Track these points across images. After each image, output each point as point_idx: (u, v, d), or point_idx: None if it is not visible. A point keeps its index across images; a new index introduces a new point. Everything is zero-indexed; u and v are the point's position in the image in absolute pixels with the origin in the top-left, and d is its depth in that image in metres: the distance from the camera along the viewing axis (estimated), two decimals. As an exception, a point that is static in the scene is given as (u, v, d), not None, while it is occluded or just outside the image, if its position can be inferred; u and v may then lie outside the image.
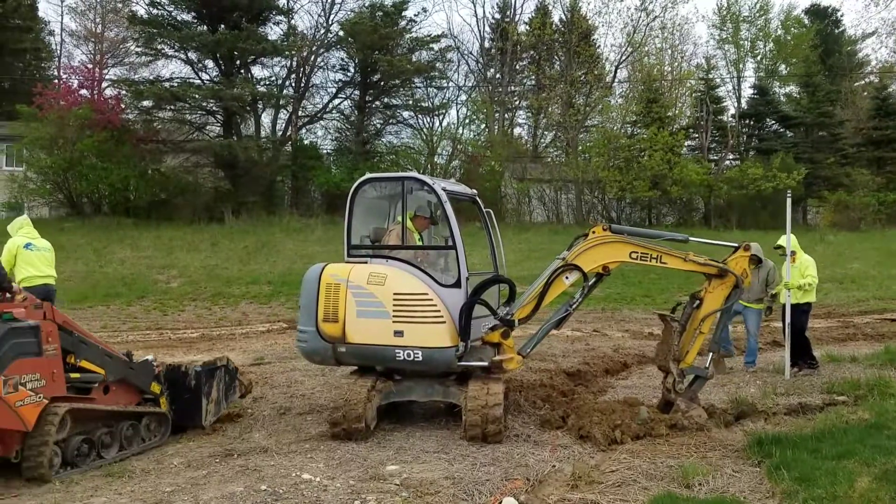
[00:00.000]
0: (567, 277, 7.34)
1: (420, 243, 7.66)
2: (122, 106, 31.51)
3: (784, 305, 9.85)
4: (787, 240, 9.72)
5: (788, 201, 10.28)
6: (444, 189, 7.23)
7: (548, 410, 7.69)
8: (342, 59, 36.65)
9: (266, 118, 36.68)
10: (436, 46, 36.24)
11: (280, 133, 36.27)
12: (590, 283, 7.50)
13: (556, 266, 7.34)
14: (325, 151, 37.76)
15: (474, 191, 8.20)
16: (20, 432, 5.47)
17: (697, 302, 7.52)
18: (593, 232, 7.42)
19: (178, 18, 32.43)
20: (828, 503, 4.72)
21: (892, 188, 34.57)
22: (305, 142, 36.90)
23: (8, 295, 5.92)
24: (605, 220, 33.69)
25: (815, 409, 7.78)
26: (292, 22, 35.59)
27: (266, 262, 23.67)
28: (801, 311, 9.89)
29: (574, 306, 7.55)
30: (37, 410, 5.50)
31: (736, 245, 7.64)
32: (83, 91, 31.90)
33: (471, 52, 42.99)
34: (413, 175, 7.56)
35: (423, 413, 7.88)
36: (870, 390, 8.15)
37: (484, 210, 8.00)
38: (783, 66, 44.82)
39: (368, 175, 7.62)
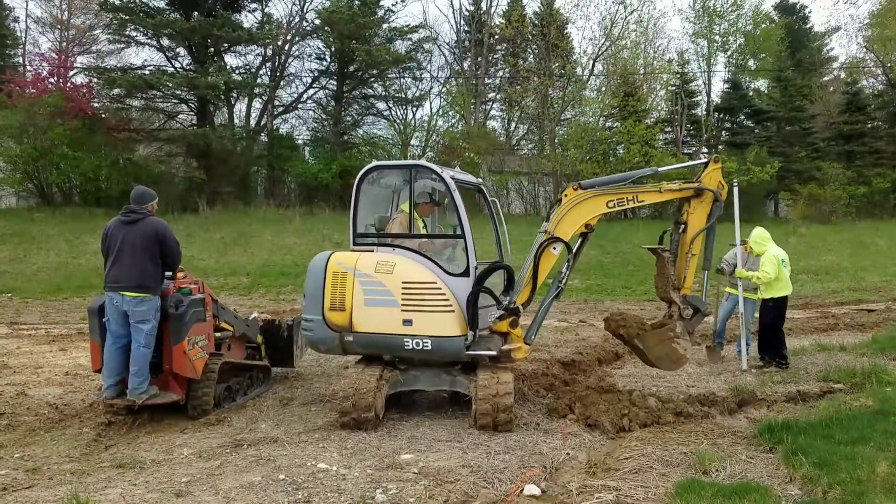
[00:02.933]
0: (554, 248, 7.20)
1: (424, 230, 7.58)
2: (93, 94, 30.84)
3: (736, 295, 9.82)
4: (736, 229, 9.58)
5: (736, 190, 9.61)
6: (451, 177, 7.16)
7: (552, 399, 7.72)
8: (318, 48, 36.28)
9: (240, 108, 36.19)
10: (414, 37, 36.07)
11: (254, 123, 35.81)
12: (574, 250, 7.39)
13: (540, 241, 7.24)
14: (301, 142, 37.40)
15: (480, 180, 8.15)
16: (190, 380, 6.94)
17: (683, 226, 7.52)
18: (565, 195, 7.33)
19: (151, 5, 31.78)
20: (854, 487, 4.77)
21: (862, 182, 35.09)
22: (281, 131, 36.51)
23: (169, 274, 7.09)
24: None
25: (815, 397, 7.89)
26: (267, 9, 35.14)
27: (244, 254, 23.40)
28: (768, 308, 9.60)
29: (564, 280, 7.41)
30: (202, 363, 7.03)
31: (705, 161, 7.59)
32: (53, 79, 31.15)
33: (447, 43, 42.87)
34: (422, 163, 7.43)
35: (426, 403, 7.84)
36: (866, 378, 8.26)
37: (490, 199, 7.94)
38: (752, 61, 45.33)
39: (375, 162, 7.51)
